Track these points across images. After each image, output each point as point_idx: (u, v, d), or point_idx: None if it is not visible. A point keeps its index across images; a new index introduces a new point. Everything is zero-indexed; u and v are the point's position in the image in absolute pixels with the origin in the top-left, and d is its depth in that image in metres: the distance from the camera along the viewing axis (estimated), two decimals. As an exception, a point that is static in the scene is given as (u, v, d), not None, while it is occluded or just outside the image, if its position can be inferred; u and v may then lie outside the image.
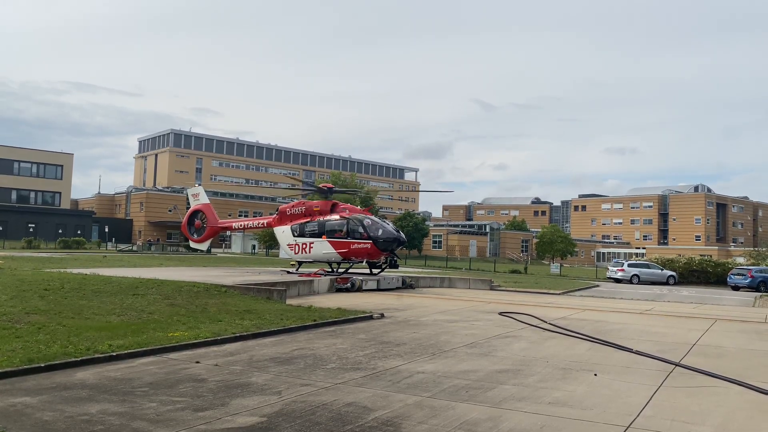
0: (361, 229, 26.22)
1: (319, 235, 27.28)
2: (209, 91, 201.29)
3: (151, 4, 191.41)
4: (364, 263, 27.81)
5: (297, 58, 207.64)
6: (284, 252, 59.79)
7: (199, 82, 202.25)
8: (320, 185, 30.55)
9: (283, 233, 28.92)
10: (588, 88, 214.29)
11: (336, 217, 27.28)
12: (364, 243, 26.03)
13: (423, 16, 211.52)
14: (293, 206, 29.21)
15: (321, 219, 27.53)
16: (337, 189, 29.75)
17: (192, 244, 35.05)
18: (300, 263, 28.79)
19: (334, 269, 28.31)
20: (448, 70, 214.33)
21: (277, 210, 30.18)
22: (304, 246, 27.71)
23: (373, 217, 27.73)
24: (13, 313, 12.38)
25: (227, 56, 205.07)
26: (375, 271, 27.74)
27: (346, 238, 26.48)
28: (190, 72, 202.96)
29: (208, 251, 61.71)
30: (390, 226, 27.01)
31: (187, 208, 36.13)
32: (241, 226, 34.22)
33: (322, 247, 27.13)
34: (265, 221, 31.67)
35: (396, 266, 27.48)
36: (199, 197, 33.81)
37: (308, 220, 27.99)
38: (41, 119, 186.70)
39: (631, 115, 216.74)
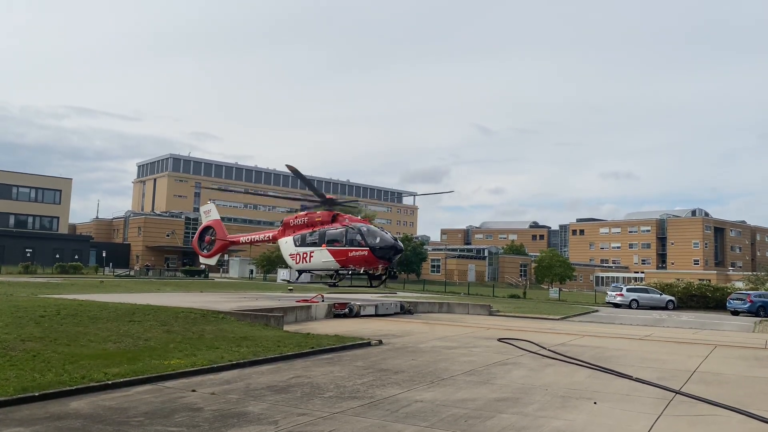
0: (359, 238, 26.32)
1: (319, 245, 27.53)
2: (209, 116, 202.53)
3: (151, 29, 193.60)
4: (364, 274, 27.83)
5: (296, 83, 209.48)
6: (281, 275, 59.63)
7: (198, 106, 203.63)
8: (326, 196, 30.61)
9: (286, 244, 29.34)
10: (585, 112, 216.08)
11: (336, 226, 27.47)
12: (362, 250, 26.14)
13: (422, 41, 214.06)
14: (296, 217, 29.64)
15: (322, 229, 27.73)
16: (338, 201, 29.84)
17: (202, 260, 35.65)
18: (300, 272, 28.98)
19: (332, 277, 28.34)
20: (447, 95, 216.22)
21: (281, 222, 30.61)
22: (304, 255, 27.97)
23: (371, 226, 27.76)
24: (8, 340, 12.28)
25: (227, 81, 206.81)
26: (375, 282, 27.80)
27: (345, 247, 26.61)
28: (189, 97, 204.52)
29: (206, 276, 61.61)
30: (388, 235, 27.01)
31: (197, 227, 36.45)
32: (248, 239, 34.56)
33: (322, 256, 27.35)
34: (271, 234, 32.07)
35: (395, 277, 27.51)
36: (210, 213, 34.58)
37: (310, 230, 28.25)
38: (41, 143, 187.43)
39: (628, 139, 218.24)
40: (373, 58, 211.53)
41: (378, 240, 26.13)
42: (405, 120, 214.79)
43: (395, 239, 27.04)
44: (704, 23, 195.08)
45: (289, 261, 29.27)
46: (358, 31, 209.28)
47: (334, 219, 27.92)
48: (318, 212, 29.22)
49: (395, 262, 27.48)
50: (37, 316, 15.38)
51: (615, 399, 10.27)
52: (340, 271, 27.65)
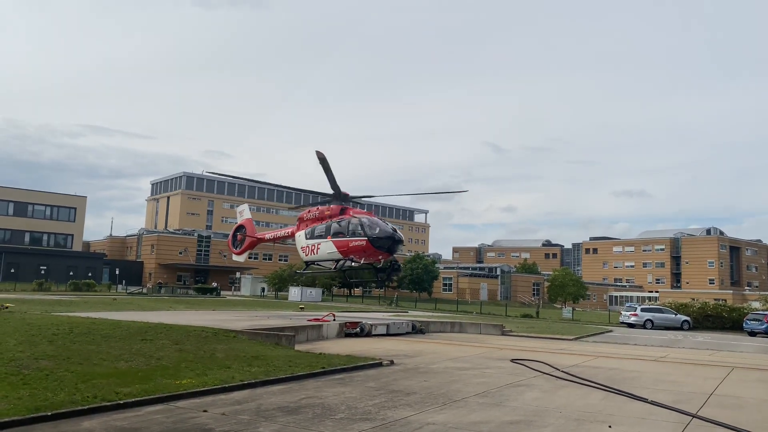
0: (359, 229, 26.75)
1: (325, 237, 28.17)
2: (222, 134, 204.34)
3: (165, 49, 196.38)
4: (369, 266, 28.23)
5: (309, 102, 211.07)
6: (292, 294, 59.90)
7: (212, 125, 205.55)
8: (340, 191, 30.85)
9: (299, 237, 30.33)
10: (598, 130, 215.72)
11: (342, 218, 27.93)
12: (360, 240, 26.53)
13: (434, 61, 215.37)
14: (309, 212, 30.89)
15: (329, 221, 28.28)
16: (350, 197, 30.14)
17: (234, 257, 37.56)
18: (307, 264, 29.95)
19: (334, 267, 28.65)
20: (459, 114, 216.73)
21: (297, 218, 31.61)
22: (313, 247, 28.83)
23: (372, 217, 27.92)
24: (22, 359, 12.34)
25: (240, 100, 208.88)
26: (381, 275, 28.42)
27: (347, 238, 26.96)
28: (203, 115, 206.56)
29: (218, 294, 61.77)
30: (388, 226, 27.13)
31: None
32: (272, 236, 35.81)
33: (327, 247, 28.05)
34: (290, 230, 33.03)
35: (398, 270, 27.86)
36: (243, 213, 36.79)
37: (320, 223, 28.93)
38: (57, 162, 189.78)
39: (641, 157, 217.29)
40: (386, 77, 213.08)
41: (377, 231, 26.38)
42: (417, 138, 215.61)
43: (394, 230, 27.12)
44: (718, 41, 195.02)
45: (301, 254, 30.55)
46: (372, 51, 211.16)
47: (342, 212, 28.49)
48: (328, 206, 29.77)
49: (395, 253, 27.60)
50: (50, 334, 15.46)
51: (630, 423, 10.11)
52: (338, 261, 28.10)
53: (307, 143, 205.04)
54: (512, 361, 17.99)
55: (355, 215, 27.74)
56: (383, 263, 27.59)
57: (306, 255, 29.36)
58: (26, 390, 9.94)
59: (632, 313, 44.56)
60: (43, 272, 68.17)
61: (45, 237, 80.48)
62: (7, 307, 22.96)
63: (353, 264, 27.81)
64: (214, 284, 71.53)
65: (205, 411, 9.70)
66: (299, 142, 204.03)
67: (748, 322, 40.27)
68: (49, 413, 8.72)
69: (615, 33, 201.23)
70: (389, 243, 26.50)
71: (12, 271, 69.31)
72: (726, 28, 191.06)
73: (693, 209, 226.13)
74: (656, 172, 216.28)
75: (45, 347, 13.78)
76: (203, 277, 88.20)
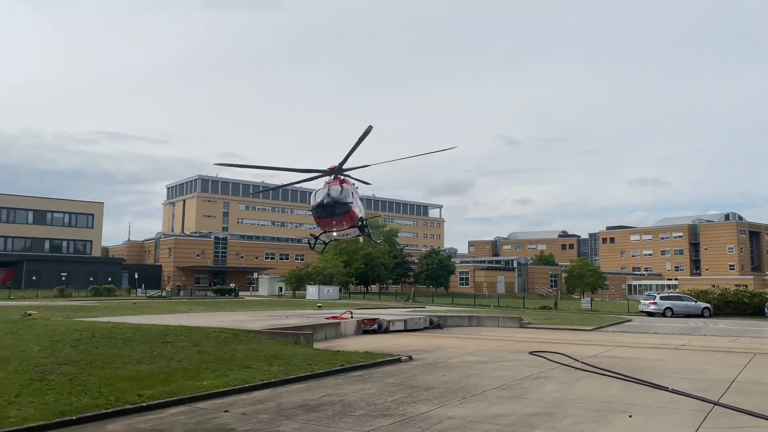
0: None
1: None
2: (236, 137, 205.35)
3: (177, 53, 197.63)
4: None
5: (322, 100, 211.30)
6: (309, 293, 60.13)
7: (225, 128, 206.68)
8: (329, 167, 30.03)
9: None
10: (611, 119, 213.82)
11: None
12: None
13: (446, 54, 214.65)
14: None
15: None
16: (345, 169, 29.05)
17: None
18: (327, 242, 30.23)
19: (314, 241, 28.50)
20: (472, 107, 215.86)
21: None
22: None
23: (329, 186, 26.53)
24: (46, 364, 12.56)
25: (253, 102, 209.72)
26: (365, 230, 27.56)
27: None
28: (217, 118, 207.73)
29: (236, 294, 62.25)
30: (323, 192, 24.88)
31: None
32: None
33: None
34: None
35: (366, 227, 26.87)
36: None
37: None
38: (73, 169, 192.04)
39: (656, 145, 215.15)
40: (397, 72, 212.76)
41: (315, 201, 25.06)
42: (430, 133, 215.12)
43: (328, 194, 24.77)
44: (732, 24, 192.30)
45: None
46: (383, 45, 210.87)
47: None
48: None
49: (338, 214, 26.49)
50: (72, 339, 15.70)
51: (651, 412, 10.07)
52: (317, 237, 27.95)
53: (320, 143, 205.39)
54: (531, 353, 17.96)
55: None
56: (345, 227, 26.91)
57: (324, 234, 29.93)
58: (51, 395, 10.12)
59: (651, 301, 44.17)
60: (63, 279, 69.14)
61: (64, 244, 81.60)
62: (30, 315, 23.31)
63: (335, 235, 27.51)
64: (232, 285, 72.02)
65: (226, 411, 9.82)
66: (312, 141, 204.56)
67: (769, 307, 39.79)
68: (75, 417, 8.89)
69: (625, 17, 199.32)
70: (320, 211, 24.86)
71: (33, 278, 70.35)
72: (739, 8, 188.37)
73: (710, 195, 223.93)
74: (671, 159, 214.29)
75: (68, 352, 14.00)
76: (221, 279, 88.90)
